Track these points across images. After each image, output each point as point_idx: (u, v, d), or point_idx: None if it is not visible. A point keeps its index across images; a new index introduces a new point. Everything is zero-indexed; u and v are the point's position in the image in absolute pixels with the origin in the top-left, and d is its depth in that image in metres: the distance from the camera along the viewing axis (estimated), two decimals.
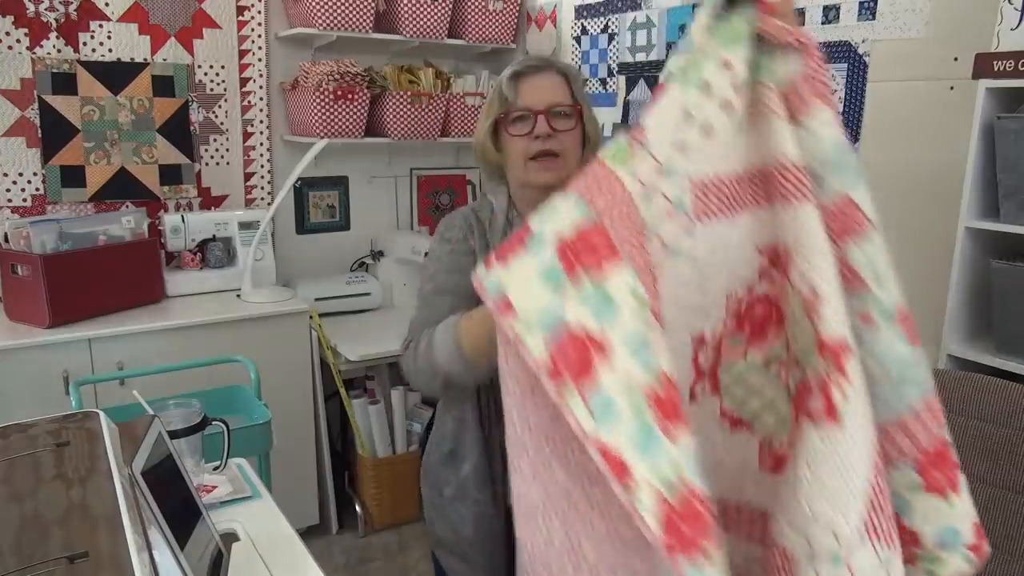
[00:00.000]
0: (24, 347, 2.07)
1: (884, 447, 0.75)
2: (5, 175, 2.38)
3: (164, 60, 2.56)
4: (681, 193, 0.73)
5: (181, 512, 0.95)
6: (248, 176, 2.79)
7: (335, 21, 2.56)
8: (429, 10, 2.71)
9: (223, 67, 2.67)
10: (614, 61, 2.53)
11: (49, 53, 2.38)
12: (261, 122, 2.77)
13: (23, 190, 2.42)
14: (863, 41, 1.81)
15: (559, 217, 0.70)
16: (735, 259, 0.77)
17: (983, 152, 1.52)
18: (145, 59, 2.54)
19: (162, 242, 2.55)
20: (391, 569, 2.54)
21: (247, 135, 2.76)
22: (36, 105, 2.39)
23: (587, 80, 2.68)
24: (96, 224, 2.34)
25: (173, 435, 1.16)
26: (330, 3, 2.53)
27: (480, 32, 2.89)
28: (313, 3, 2.51)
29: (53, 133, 2.43)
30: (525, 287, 0.67)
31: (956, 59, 1.68)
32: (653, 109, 0.75)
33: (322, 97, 2.56)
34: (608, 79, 2.56)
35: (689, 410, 0.72)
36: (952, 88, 1.70)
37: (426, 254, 1.37)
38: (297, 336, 2.46)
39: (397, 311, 2.93)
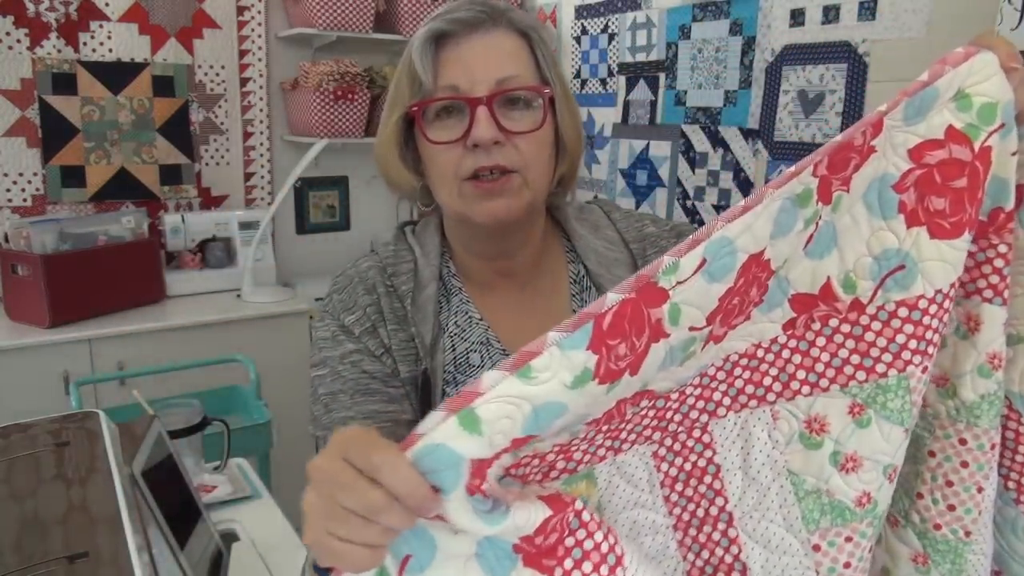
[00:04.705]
0: (24, 347, 2.07)
1: None
2: (5, 175, 2.38)
3: (164, 60, 2.56)
4: None
5: (181, 512, 0.95)
6: (248, 176, 2.79)
7: (335, 21, 2.56)
8: (429, 10, 2.71)
9: (223, 67, 2.67)
10: (614, 61, 2.52)
11: (49, 53, 2.38)
12: (261, 122, 2.77)
13: (23, 190, 2.42)
14: (863, 41, 1.81)
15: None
16: None
17: None
18: (145, 59, 2.54)
19: (162, 242, 2.55)
20: None
21: (247, 135, 2.76)
22: (36, 105, 2.39)
23: (584, 80, 2.66)
24: (96, 224, 2.34)
25: (173, 435, 1.16)
26: (330, 3, 2.53)
27: None
28: (313, 3, 2.51)
29: (53, 133, 2.42)
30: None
31: None
32: None
33: (322, 97, 2.56)
34: (608, 79, 2.56)
35: None
36: None
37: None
38: (297, 336, 2.46)
39: None
